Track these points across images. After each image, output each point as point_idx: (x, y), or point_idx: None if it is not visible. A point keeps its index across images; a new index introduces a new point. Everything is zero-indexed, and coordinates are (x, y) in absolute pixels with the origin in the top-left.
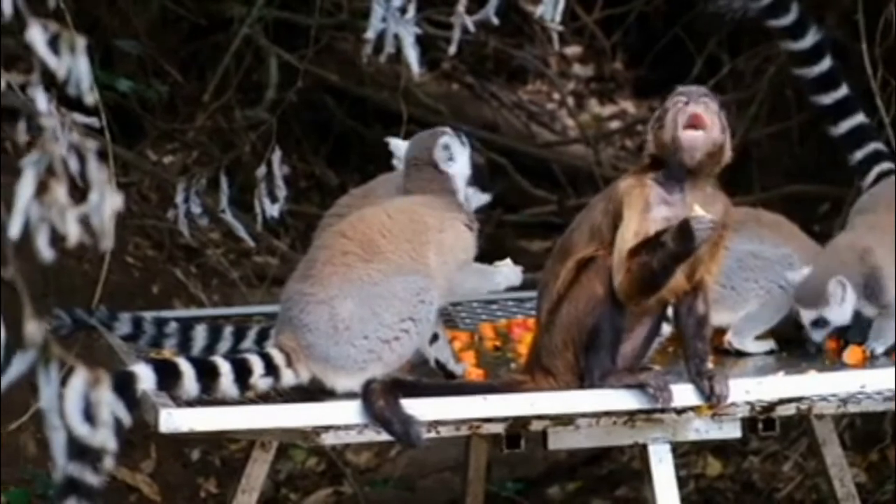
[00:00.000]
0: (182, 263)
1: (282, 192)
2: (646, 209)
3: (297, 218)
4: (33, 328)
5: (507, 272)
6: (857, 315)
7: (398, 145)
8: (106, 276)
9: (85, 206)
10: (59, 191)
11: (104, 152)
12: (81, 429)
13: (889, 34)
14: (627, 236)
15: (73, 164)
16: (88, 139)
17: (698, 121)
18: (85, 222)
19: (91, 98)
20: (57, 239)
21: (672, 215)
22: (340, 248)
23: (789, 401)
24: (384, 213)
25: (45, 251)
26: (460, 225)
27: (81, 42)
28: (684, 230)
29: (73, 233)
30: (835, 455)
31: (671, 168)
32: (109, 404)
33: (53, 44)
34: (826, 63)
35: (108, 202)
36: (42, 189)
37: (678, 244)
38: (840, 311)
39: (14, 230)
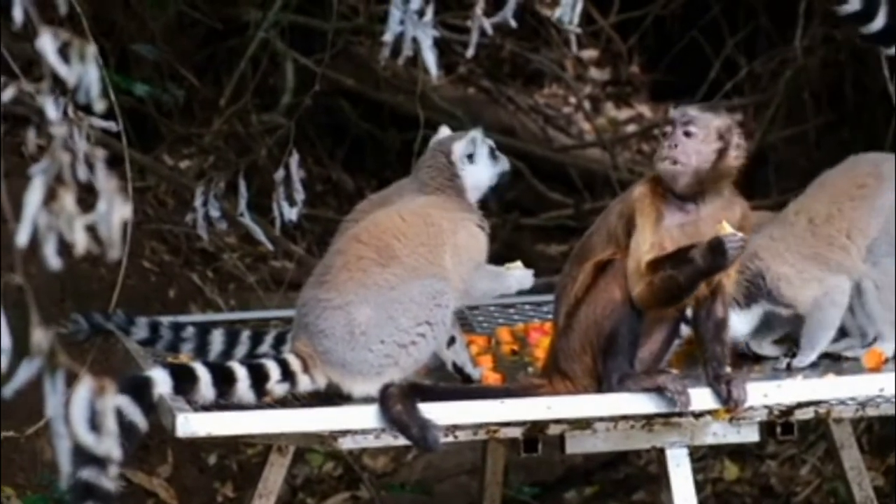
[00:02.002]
0: (199, 268)
1: (300, 195)
2: (660, 218)
3: (314, 222)
4: (40, 335)
5: (519, 275)
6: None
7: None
8: (123, 280)
9: (93, 214)
10: (67, 199)
11: (120, 157)
12: (87, 437)
13: None
14: (644, 247)
15: (83, 172)
16: (98, 147)
17: (673, 155)
18: (95, 230)
19: (101, 105)
20: (69, 245)
21: (687, 221)
22: (356, 253)
23: (807, 404)
24: (398, 216)
25: (53, 259)
26: (472, 225)
27: (91, 49)
28: (716, 249)
29: (81, 241)
30: (853, 459)
31: None
32: (124, 411)
33: (64, 51)
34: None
35: (116, 211)
36: (51, 197)
37: (709, 262)
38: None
39: (22, 238)
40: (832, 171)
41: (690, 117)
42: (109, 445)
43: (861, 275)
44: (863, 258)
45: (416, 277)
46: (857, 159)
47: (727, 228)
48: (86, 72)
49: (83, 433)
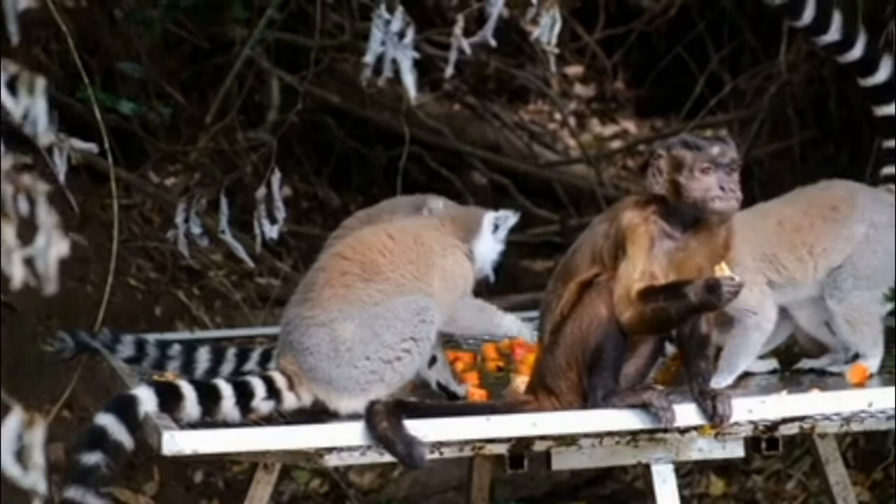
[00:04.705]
0: (185, 285)
1: (281, 213)
2: (650, 246)
3: (299, 239)
4: None
5: (513, 323)
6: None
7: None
8: (108, 298)
9: (31, 248)
10: (7, 231)
11: (106, 174)
12: (13, 469)
13: (891, 51)
14: (634, 276)
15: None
16: (39, 181)
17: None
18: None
19: (46, 139)
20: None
21: (675, 249)
22: (339, 269)
23: (792, 420)
24: (385, 234)
25: None
26: (460, 253)
27: (41, 83)
28: (712, 289)
29: (18, 275)
30: (838, 474)
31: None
32: (110, 429)
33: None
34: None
35: (54, 246)
36: None
37: (702, 300)
38: None
39: None
40: (810, 187)
41: (735, 159)
42: (35, 479)
43: (825, 302)
44: (818, 279)
45: (400, 293)
46: (834, 182)
47: (725, 270)
48: (34, 104)
49: (10, 466)
